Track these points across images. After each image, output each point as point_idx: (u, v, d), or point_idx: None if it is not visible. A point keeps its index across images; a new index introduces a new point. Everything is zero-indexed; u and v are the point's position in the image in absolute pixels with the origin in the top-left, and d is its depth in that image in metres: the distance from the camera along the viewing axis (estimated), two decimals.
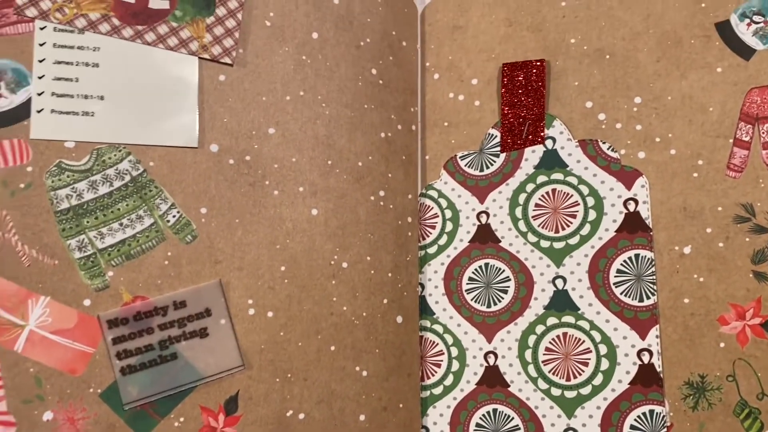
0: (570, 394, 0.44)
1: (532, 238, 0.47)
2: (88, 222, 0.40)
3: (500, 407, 0.45)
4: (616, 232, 0.45)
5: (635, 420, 0.43)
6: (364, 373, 0.44)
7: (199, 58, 0.43)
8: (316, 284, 0.44)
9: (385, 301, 0.46)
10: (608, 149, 0.46)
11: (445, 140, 0.50)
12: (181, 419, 0.40)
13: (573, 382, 0.44)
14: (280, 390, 0.42)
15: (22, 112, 0.40)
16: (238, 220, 0.43)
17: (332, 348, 0.44)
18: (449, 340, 0.47)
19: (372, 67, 0.48)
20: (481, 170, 0.49)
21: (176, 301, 0.41)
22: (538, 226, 0.47)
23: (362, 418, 0.44)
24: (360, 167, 0.47)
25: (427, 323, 0.48)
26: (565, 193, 0.47)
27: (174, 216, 0.42)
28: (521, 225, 0.47)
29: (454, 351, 0.47)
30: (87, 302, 0.39)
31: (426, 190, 0.50)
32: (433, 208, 0.49)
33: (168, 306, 0.41)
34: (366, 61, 0.48)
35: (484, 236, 0.48)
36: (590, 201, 0.46)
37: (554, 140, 0.48)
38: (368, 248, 0.46)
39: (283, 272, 0.43)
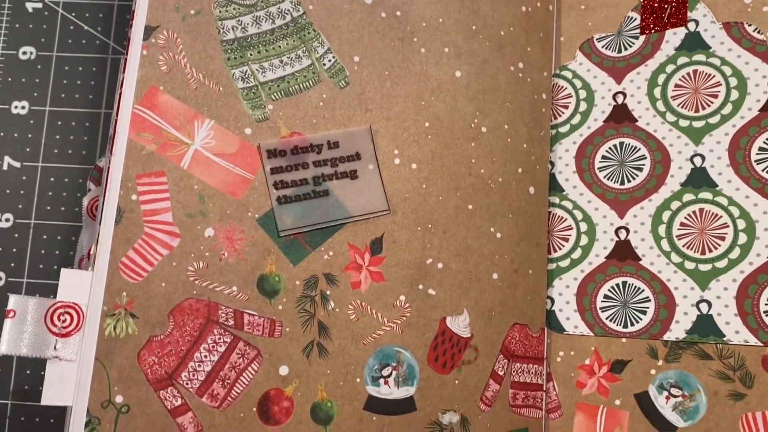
0: (704, 268, 0.44)
1: (670, 117, 0.47)
2: (251, 55, 0.41)
3: (630, 280, 0.46)
4: (759, 111, 0.45)
5: None
6: (498, 235, 0.45)
7: None
8: (457, 144, 0.45)
9: (520, 170, 0.46)
10: (754, 31, 0.46)
11: (581, 23, 0.50)
12: (330, 253, 0.41)
13: (708, 255, 0.44)
14: (421, 238, 0.43)
15: None
16: (387, 72, 0.44)
17: (470, 207, 0.44)
18: (578, 215, 0.48)
19: None
20: (619, 52, 0.49)
21: (330, 141, 0.42)
22: (678, 105, 0.47)
23: (495, 276, 0.44)
24: (501, 36, 0.47)
25: (556, 199, 0.48)
26: (707, 74, 0.47)
27: (330, 60, 0.42)
28: (659, 105, 0.47)
29: (584, 226, 0.47)
30: (248, 131, 0.40)
31: (560, 70, 0.50)
32: (566, 88, 0.49)
33: (322, 144, 0.41)
34: None
35: (620, 116, 0.48)
36: (733, 81, 0.46)
37: (697, 22, 0.47)
38: (506, 116, 0.46)
39: (427, 128, 0.44)
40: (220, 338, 0.38)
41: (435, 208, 0.43)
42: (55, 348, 0.35)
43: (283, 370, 0.39)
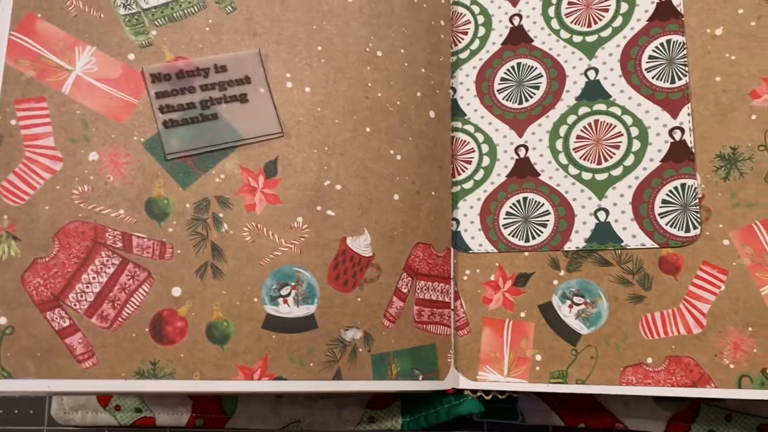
0: (601, 177, 0.45)
1: (564, 34, 0.47)
2: None
3: (530, 195, 0.46)
4: (648, 21, 0.46)
5: (667, 194, 0.43)
6: (398, 157, 0.45)
7: None
8: (352, 68, 0.45)
9: (419, 94, 0.47)
10: None
11: None
12: (222, 176, 0.41)
13: (604, 165, 0.45)
14: (317, 160, 0.43)
15: None
16: None
17: (367, 129, 0.44)
18: (480, 138, 0.48)
19: None
20: None
21: (217, 65, 0.42)
22: (571, 22, 0.47)
23: (396, 197, 0.44)
24: None
25: (459, 124, 0.49)
26: None
27: None
28: (554, 23, 0.48)
29: (485, 148, 0.48)
30: (131, 56, 0.40)
31: None
32: (464, 15, 0.50)
33: (209, 68, 0.41)
34: None
35: (517, 37, 0.49)
36: None
37: None
38: (402, 41, 0.47)
39: (320, 52, 0.44)
40: (108, 260, 0.38)
41: (331, 131, 0.43)
42: None
43: (176, 291, 0.39)
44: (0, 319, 0.36)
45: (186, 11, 0.42)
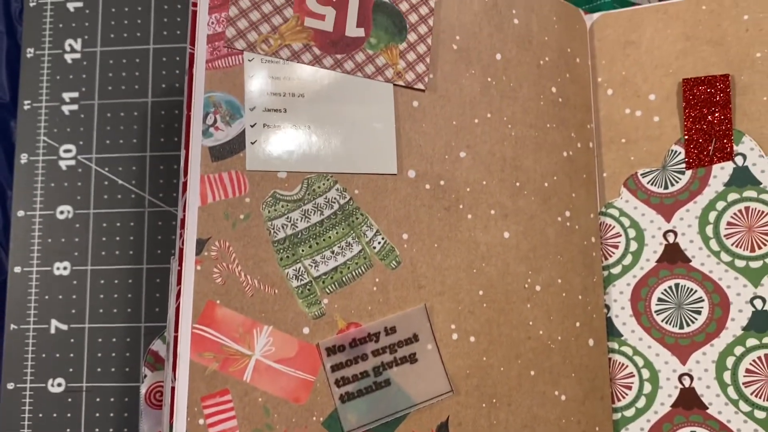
0: None
1: (725, 257, 0.46)
2: (303, 251, 0.41)
3: (699, 429, 0.45)
4: None
5: None
6: (563, 398, 0.44)
7: (394, 84, 0.44)
8: (513, 308, 0.44)
9: (578, 324, 0.46)
10: None
11: (623, 157, 0.49)
12: None
13: None
14: (486, 416, 0.42)
15: (237, 144, 0.41)
16: (436, 245, 0.43)
17: (532, 372, 0.44)
18: (639, 362, 0.47)
19: (552, 86, 0.48)
20: (666, 188, 0.48)
21: (387, 327, 0.41)
22: (732, 245, 0.46)
23: None
24: (546, 188, 0.46)
25: (615, 345, 0.47)
26: (759, 211, 0.46)
27: (379, 242, 0.42)
28: (713, 244, 0.46)
29: (646, 373, 0.46)
30: (306, 330, 0.40)
31: (605, 208, 0.49)
32: (614, 227, 0.49)
33: (380, 332, 0.41)
34: (546, 80, 0.48)
35: (673, 256, 0.47)
36: None
37: (744, 157, 0.47)
38: (558, 270, 0.46)
39: (482, 296, 0.43)
40: None
41: (498, 381, 0.43)
42: None
43: None
44: None
45: (354, 272, 0.41)
